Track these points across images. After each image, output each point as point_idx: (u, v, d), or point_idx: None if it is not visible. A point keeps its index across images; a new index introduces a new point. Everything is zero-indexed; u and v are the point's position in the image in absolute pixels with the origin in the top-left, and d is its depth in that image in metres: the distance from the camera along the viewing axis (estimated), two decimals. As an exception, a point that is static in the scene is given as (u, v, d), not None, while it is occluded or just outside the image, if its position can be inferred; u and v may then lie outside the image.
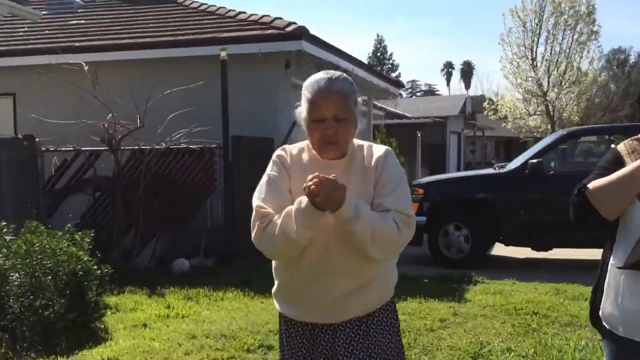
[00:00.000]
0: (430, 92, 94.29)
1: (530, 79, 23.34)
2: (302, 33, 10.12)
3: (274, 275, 2.53)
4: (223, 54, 9.19)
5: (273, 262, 2.51)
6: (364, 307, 2.39)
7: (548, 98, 22.88)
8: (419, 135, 21.11)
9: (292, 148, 2.52)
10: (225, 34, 10.56)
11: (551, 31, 23.31)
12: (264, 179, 2.43)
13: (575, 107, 22.98)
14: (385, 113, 25.73)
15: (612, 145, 2.43)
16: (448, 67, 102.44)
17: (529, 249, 9.58)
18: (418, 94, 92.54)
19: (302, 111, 2.41)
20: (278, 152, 2.49)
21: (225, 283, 7.68)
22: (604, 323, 2.33)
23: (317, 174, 2.16)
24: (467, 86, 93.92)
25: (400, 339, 2.50)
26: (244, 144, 9.31)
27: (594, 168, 2.38)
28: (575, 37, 23.15)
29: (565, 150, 10.72)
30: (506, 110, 25.02)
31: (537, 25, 23.48)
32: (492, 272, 8.53)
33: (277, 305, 2.55)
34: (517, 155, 11.57)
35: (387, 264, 2.43)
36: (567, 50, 23.07)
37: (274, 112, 10.49)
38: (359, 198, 2.25)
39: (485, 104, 27.15)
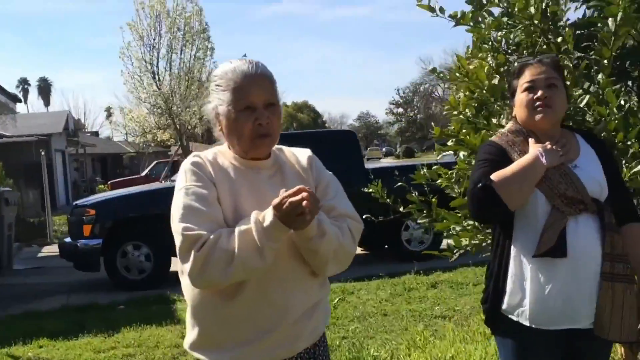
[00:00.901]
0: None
1: (154, 93, 23.32)
2: None
3: (192, 321, 1.98)
4: None
5: (192, 303, 1.97)
6: (315, 331, 2.04)
7: (173, 112, 23.18)
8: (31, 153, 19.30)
9: (206, 154, 2.04)
10: None
11: (171, 46, 23.69)
12: (181, 193, 1.91)
13: (199, 121, 23.69)
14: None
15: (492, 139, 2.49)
16: (24, 83, 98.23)
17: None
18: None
19: (219, 104, 1.98)
20: (191, 159, 2.00)
21: None
22: (509, 316, 2.32)
23: (301, 186, 1.77)
24: (47, 103, 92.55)
25: None
26: None
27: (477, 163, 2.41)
28: (194, 52, 23.93)
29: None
30: (135, 124, 24.63)
31: (155, 40, 23.64)
32: (177, 288, 8.17)
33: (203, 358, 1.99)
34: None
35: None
36: (188, 65, 23.71)
37: None
38: None
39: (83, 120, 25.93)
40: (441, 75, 4.61)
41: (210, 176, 1.96)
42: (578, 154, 2.35)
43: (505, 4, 3.95)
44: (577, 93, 3.02)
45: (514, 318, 2.31)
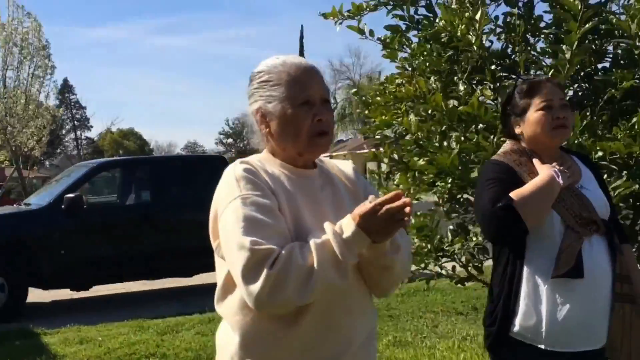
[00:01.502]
0: None
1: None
2: None
3: (243, 353, 1.74)
4: None
5: (242, 332, 1.74)
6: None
7: (8, 132, 21.38)
8: None
9: (252, 160, 1.83)
10: None
11: (6, 61, 21.96)
12: (237, 203, 1.68)
13: (36, 142, 22.08)
14: None
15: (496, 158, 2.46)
16: None
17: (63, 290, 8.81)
18: None
19: (267, 102, 1.80)
20: (241, 165, 1.77)
21: None
22: (521, 339, 2.27)
23: (398, 191, 1.63)
24: None
25: None
26: None
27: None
28: (32, 70, 22.34)
29: (93, 182, 10.34)
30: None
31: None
32: (40, 320, 7.48)
33: None
34: None
35: None
36: (25, 84, 22.07)
37: None
38: None
39: None
40: (363, 98, 4.62)
41: (267, 184, 1.74)
42: (581, 176, 2.40)
43: (428, 30, 4.06)
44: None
45: (527, 341, 2.26)
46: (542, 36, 3.84)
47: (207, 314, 7.01)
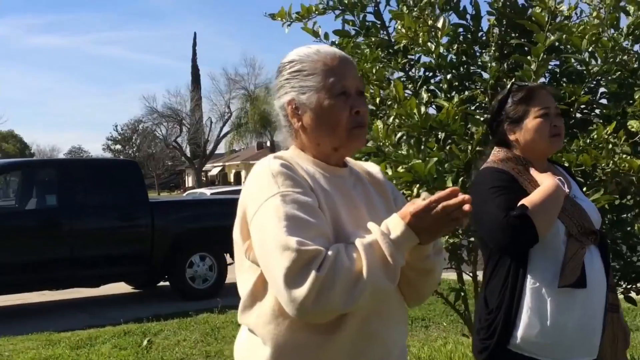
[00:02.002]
0: None
1: None
2: None
3: None
4: None
5: (276, 343, 1.59)
6: None
7: None
8: None
9: (286, 155, 1.69)
10: None
11: None
12: (276, 201, 1.53)
13: None
14: None
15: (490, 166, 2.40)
16: None
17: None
18: None
19: (300, 93, 1.67)
20: (277, 161, 1.61)
21: None
22: (520, 352, 2.21)
23: (454, 187, 1.51)
24: None
25: None
26: None
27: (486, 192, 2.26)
28: None
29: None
30: None
31: None
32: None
33: None
34: None
35: None
36: None
37: None
38: None
39: None
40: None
41: (305, 182, 1.60)
42: (571, 186, 2.38)
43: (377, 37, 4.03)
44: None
45: (526, 353, 2.21)
46: (492, 48, 3.87)
47: (121, 326, 6.65)
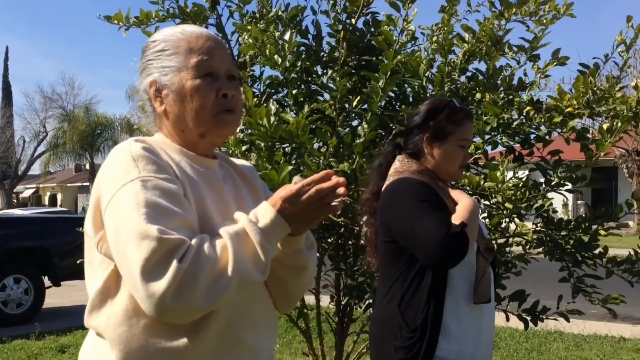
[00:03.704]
0: None
1: None
2: None
3: None
4: None
5: (125, 347, 1.40)
6: None
7: None
8: None
9: (148, 139, 1.51)
10: None
11: None
12: (136, 186, 1.36)
13: None
14: None
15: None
16: None
17: None
18: None
19: (163, 74, 1.53)
20: (137, 144, 1.44)
21: None
22: None
23: (329, 170, 1.40)
24: None
25: None
26: None
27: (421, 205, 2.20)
28: None
29: None
30: None
31: None
32: None
33: None
34: None
35: None
36: None
37: None
38: None
39: None
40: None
41: (170, 168, 1.44)
42: None
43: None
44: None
45: None
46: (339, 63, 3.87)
47: None
